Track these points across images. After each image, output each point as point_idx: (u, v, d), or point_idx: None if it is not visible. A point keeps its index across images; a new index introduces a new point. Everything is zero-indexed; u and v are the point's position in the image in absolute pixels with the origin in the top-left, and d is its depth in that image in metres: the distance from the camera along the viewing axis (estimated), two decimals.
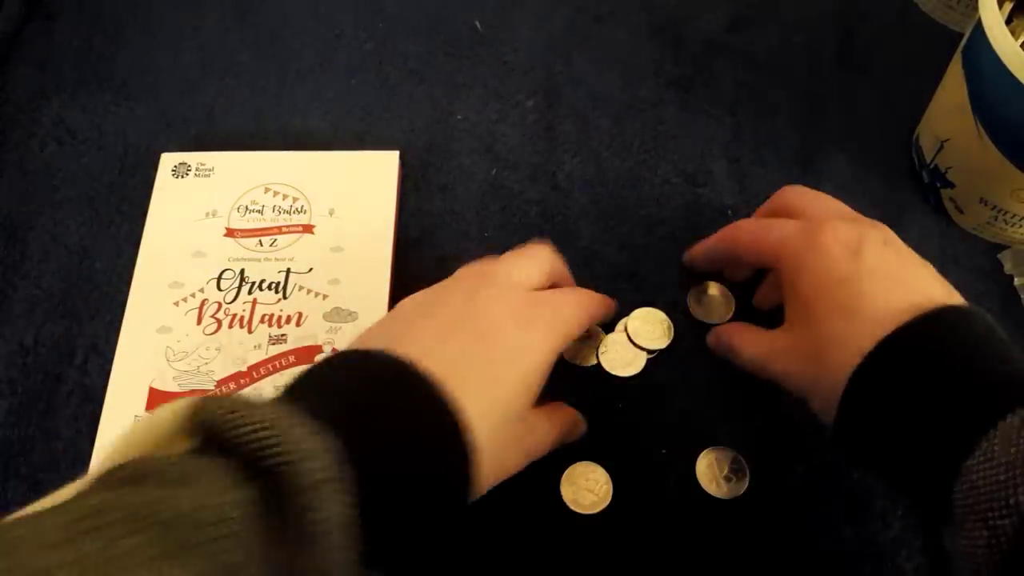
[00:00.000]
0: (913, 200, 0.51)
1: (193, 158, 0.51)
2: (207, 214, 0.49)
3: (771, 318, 0.43)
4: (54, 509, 0.24)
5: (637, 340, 0.45)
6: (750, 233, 0.42)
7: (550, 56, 0.57)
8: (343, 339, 0.45)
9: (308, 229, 0.48)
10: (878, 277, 0.36)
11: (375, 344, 0.34)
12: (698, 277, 0.47)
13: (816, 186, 0.51)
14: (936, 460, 0.31)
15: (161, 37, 0.58)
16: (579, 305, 0.40)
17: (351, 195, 0.49)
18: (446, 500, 0.33)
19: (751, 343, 0.41)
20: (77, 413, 0.45)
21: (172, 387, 0.44)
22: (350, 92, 0.56)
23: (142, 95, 0.56)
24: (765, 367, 0.40)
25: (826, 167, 0.52)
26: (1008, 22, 0.43)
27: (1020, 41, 0.41)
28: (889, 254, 0.37)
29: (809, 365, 0.37)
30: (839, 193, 0.51)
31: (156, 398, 0.43)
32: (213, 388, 0.43)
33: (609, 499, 0.42)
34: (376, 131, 0.54)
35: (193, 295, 0.46)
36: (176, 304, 0.46)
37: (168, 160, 0.51)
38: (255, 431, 0.27)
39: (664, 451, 0.43)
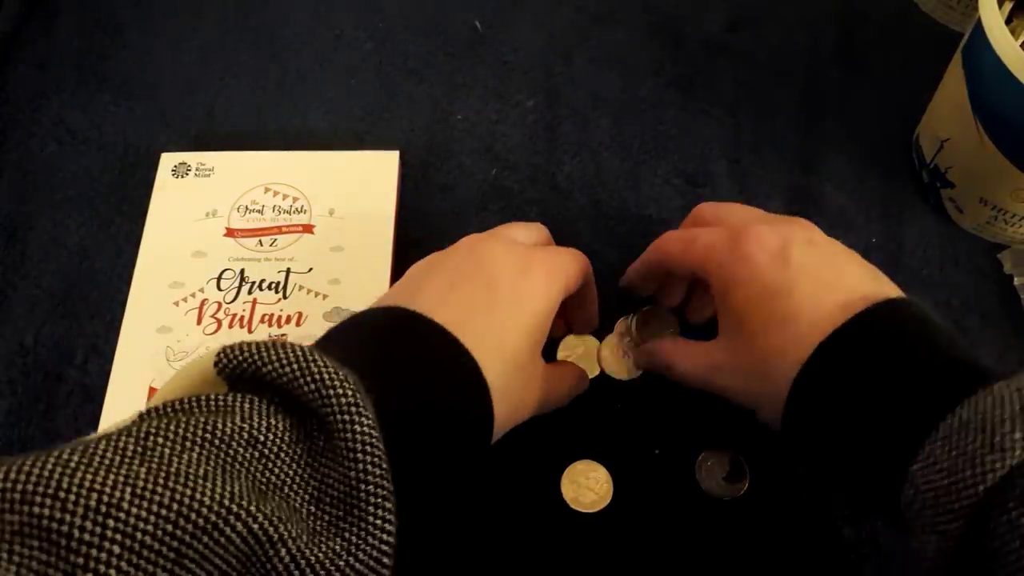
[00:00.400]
0: (913, 200, 0.51)
1: (193, 158, 0.51)
2: (207, 214, 0.49)
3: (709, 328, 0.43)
4: (105, 436, 0.26)
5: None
6: (676, 242, 0.41)
7: (550, 56, 0.57)
8: None
9: (308, 229, 0.48)
10: (807, 281, 0.35)
11: (388, 303, 0.35)
12: (638, 302, 0.46)
13: (816, 186, 0.51)
14: (882, 464, 0.31)
15: (161, 37, 0.58)
16: (574, 258, 0.40)
17: (351, 195, 0.49)
18: (468, 437, 0.33)
19: (688, 359, 0.40)
20: (77, 413, 0.45)
21: None
22: (350, 92, 0.56)
23: (142, 95, 0.56)
24: (708, 382, 0.39)
25: (826, 167, 0.52)
26: (1008, 22, 0.43)
27: (1020, 41, 0.41)
28: (815, 254, 0.36)
29: (750, 379, 0.37)
30: (839, 193, 0.51)
31: None
32: None
33: (610, 498, 0.42)
34: (376, 131, 0.54)
35: (193, 295, 0.46)
36: (176, 304, 0.46)
37: (168, 160, 0.51)
38: (282, 367, 0.28)
39: (664, 451, 0.43)
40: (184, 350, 0.45)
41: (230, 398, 0.28)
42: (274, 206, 0.49)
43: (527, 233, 0.41)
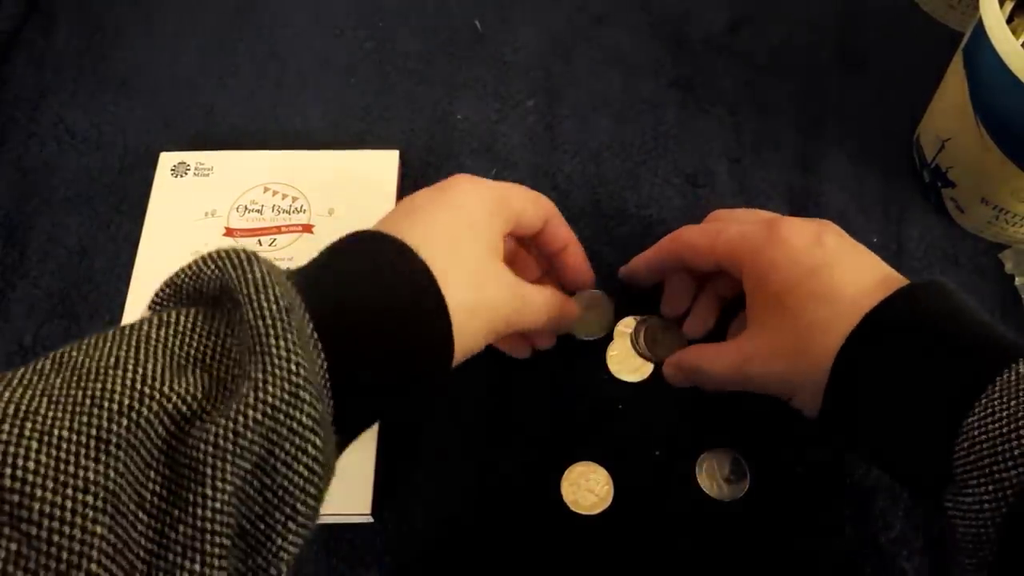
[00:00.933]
0: (914, 200, 0.51)
1: (192, 157, 0.51)
2: (206, 214, 0.49)
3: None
4: (26, 365, 0.27)
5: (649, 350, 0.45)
6: (701, 234, 0.41)
7: (550, 56, 0.57)
8: None
9: (307, 229, 0.48)
10: (845, 261, 0.36)
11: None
12: (635, 302, 0.46)
13: (817, 186, 0.51)
14: (934, 423, 0.31)
15: (161, 37, 0.58)
16: (532, 194, 0.41)
17: (351, 195, 0.49)
18: (421, 320, 0.33)
19: (718, 359, 0.40)
20: None
21: None
22: (350, 92, 0.56)
23: (141, 95, 0.56)
24: (742, 376, 0.39)
25: (827, 167, 0.52)
26: (1009, 21, 0.43)
27: (1021, 40, 0.41)
28: (845, 242, 0.38)
29: (790, 360, 0.36)
30: (840, 193, 0.51)
31: None
32: None
33: (610, 500, 0.42)
34: (376, 131, 0.54)
35: None
36: None
37: (167, 160, 0.51)
38: (197, 268, 0.30)
39: (664, 452, 0.43)
40: None
41: (146, 322, 0.29)
42: (273, 206, 0.49)
43: (521, 194, 0.42)
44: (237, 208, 0.49)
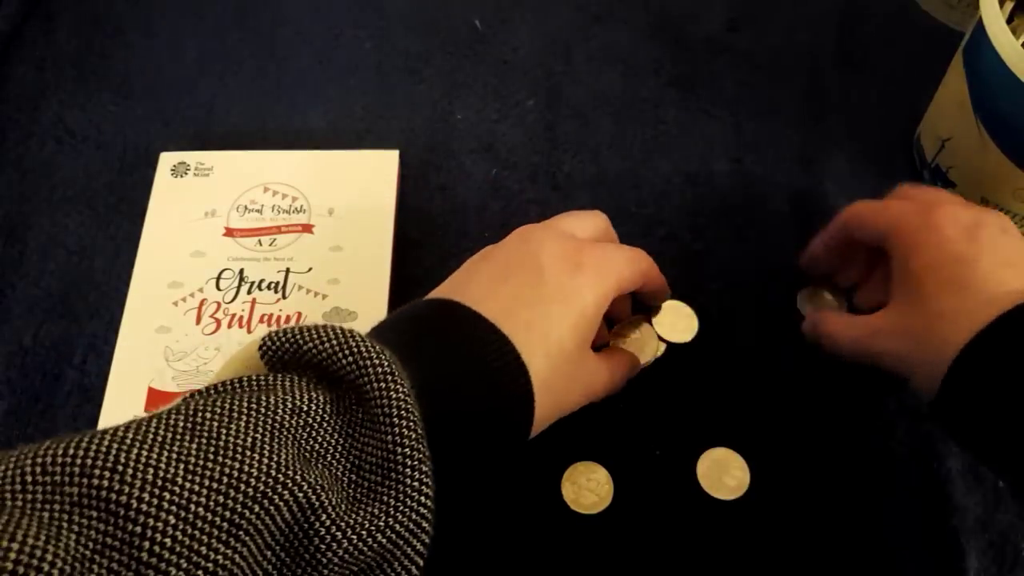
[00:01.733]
0: None
1: (192, 157, 0.51)
2: (206, 213, 0.49)
3: None
4: (156, 415, 0.27)
5: (661, 331, 0.46)
6: (868, 207, 0.41)
7: (550, 56, 0.57)
8: None
9: (307, 229, 0.48)
10: (994, 259, 0.35)
11: (436, 295, 0.36)
12: (809, 280, 0.47)
13: (816, 186, 0.51)
14: None
15: (160, 36, 0.58)
16: (631, 258, 0.40)
17: (351, 194, 0.49)
18: (508, 423, 0.34)
19: (848, 327, 0.41)
20: (76, 413, 0.45)
21: (171, 387, 0.43)
22: (350, 91, 0.56)
23: (141, 94, 0.56)
24: (866, 348, 0.39)
25: (827, 167, 0.52)
26: (1009, 21, 0.43)
27: (1021, 40, 0.40)
28: (1006, 240, 0.37)
29: (914, 342, 0.36)
30: (840, 193, 0.51)
31: (155, 398, 0.43)
32: None
33: (610, 499, 0.42)
34: (376, 130, 0.54)
35: (192, 295, 0.46)
36: (175, 304, 0.46)
37: (167, 160, 0.51)
38: (320, 344, 0.29)
39: (665, 451, 0.43)
40: (183, 350, 0.44)
41: (271, 377, 0.29)
42: (273, 206, 0.49)
43: (583, 224, 0.41)
44: (237, 208, 0.49)
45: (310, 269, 0.47)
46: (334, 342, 0.29)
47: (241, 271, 0.47)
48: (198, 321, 0.45)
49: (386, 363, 0.29)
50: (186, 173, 0.50)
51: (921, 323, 0.36)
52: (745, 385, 0.45)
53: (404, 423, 0.28)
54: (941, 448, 0.43)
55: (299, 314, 0.46)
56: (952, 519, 0.41)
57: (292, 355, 0.30)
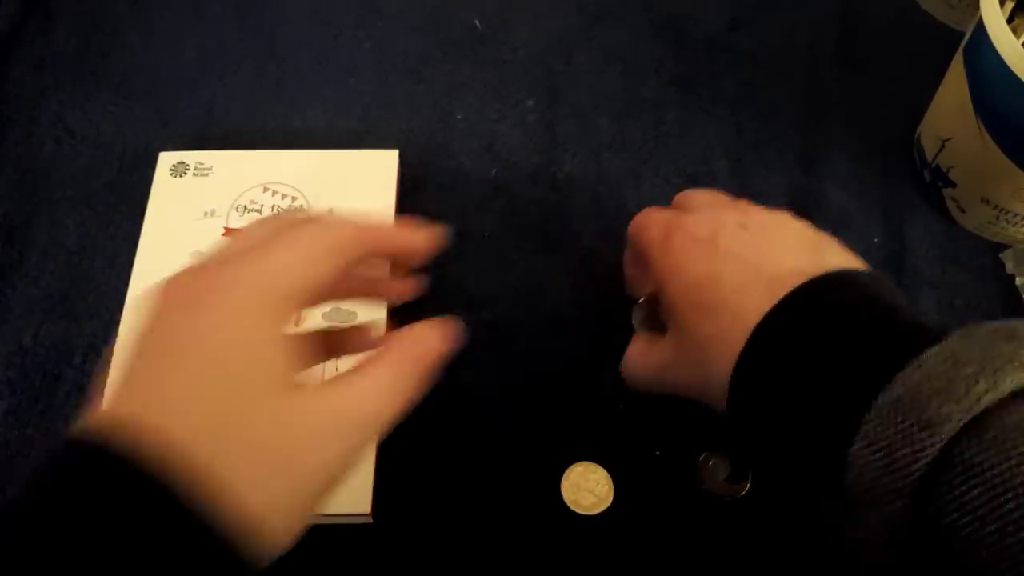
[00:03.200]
0: (914, 200, 0.51)
1: (191, 157, 0.51)
2: (205, 213, 0.49)
3: None
4: None
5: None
6: (634, 224, 0.40)
7: (550, 56, 0.57)
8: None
9: None
10: (734, 267, 0.34)
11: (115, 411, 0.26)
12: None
13: (817, 185, 0.51)
14: (824, 448, 0.30)
15: (160, 36, 0.58)
16: (314, 242, 0.30)
17: (350, 195, 0.49)
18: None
19: (641, 359, 0.40)
20: (76, 413, 0.45)
21: None
22: (349, 91, 0.55)
23: (141, 94, 0.56)
24: (659, 384, 0.39)
25: (827, 167, 0.52)
26: (1009, 21, 0.43)
27: (1021, 40, 0.40)
28: (744, 237, 0.35)
29: (696, 371, 0.36)
30: (840, 193, 0.51)
31: None
32: None
33: (610, 500, 0.42)
34: (375, 131, 0.54)
35: None
36: None
37: (166, 159, 0.51)
38: None
39: (664, 452, 0.43)
40: None
41: None
42: (273, 206, 0.49)
43: (263, 230, 0.31)
44: (236, 208, 0.49)
45: None
46: None
47: None
48: None
49: None
50: (185, 173, 0.50)
51: (692, 353, 0.35)
52: None
53: None
54: None
55: (299, 314, 0.45)
56: None
57: None
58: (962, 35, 0.45)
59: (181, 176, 0.50)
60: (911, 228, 0.50)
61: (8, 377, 0.46)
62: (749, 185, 0.51)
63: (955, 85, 0.45)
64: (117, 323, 0.46)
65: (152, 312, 0.29)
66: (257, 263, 0.29)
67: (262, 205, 0.49)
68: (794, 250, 0.34)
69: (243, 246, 0.30)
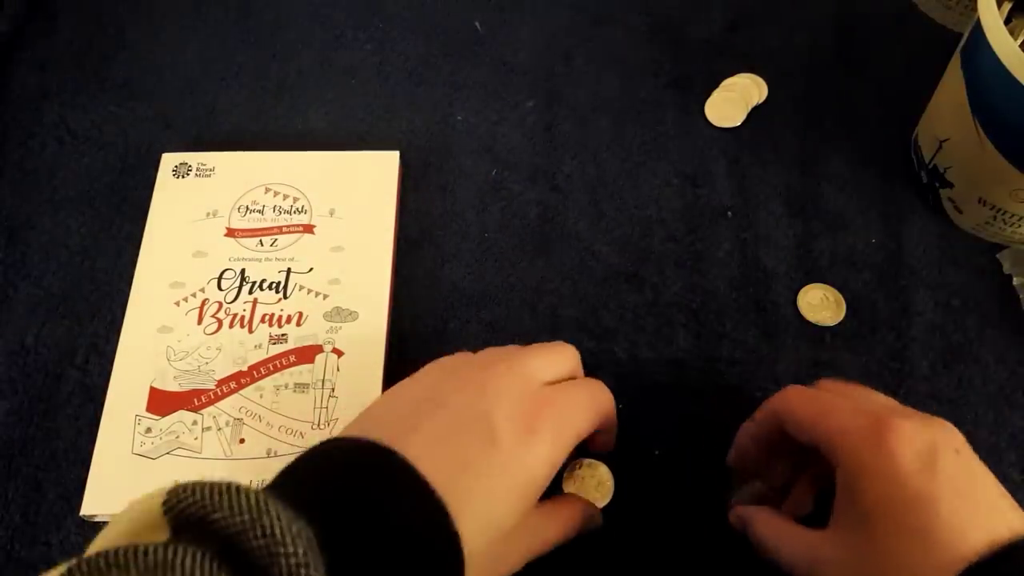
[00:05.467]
0: (912, 200, 0.51)
1: (194, 158, 0.51)
2: (208, 214, 0.49)
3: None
4: None
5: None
6: (804, 406, 0.36)
7: (550, 56, 0.57)
8: (343, 339, 0.45)
9: (308, 229, 0.48)
10: (955, 497, 0.31)
11: (371, 432, 0.32)
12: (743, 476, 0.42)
13: (815, 186, 0.51)
14: None
15: (161, 37, 0.58)
16: (591, 403, 0.37)
17: (352, 195, 0.49)
18: None
19: (789, 541, 0.36)
20: (78, 413, 0.45)
21: (173, 387, 0.44)
22: (350, 93, 0.56)
23: (142, 95, 0.56)
24: (807, 571, 0.34)
25: (825, 167, 0.52)
26: (1007, 22, 0.43)
27: (1019, 41, 0.41)
28: (962, 467, 0.33)
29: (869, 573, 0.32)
30: (838, 193, 0.51)
31: (157, 397, 0.43)
32: (214, 387, 0.44)
33: (611, 496, 0.42)
34: (376, 131, 0.54)
35: (194, 295, 0.46)
36: (177, 304, 0.46)
37: (169, 160, 0.51)
38: (232, 516, 0.26)
39: (664, 452, 0.43)
40: (185, 350, 0.45)
41: (169, 552, 0.25)
42: (275, 206, 0.49)
43: (549, 365, 0.37)
44: (239, 208, 0.49)
45: (311, 269, 0.47)
46: (246, 516, 0.26)
47: (243, 271, 0.47)
48: (200, 321, 0.46)
49: (301, 552, 0.25)
50: (188, 174, 0.50)
51: (874, 566, 0.32)
52: (745, 386, 0.45)
53: None
54: None
55: (300, 314, 0.46)
56: None
57: (199, 519, 0.26)
58: (960, 36, 0.46)
59: (183, 177, 0.50)
60: (908, 229, 0.50)
61: (10, 377, 0.46)
62: (747, 186, 0.52)
63: (952, 86, 0.45)
64: (119, 323, 0.46)
65: (474, 384, 0.35)
66: (570, 401, 0.36)
67: (264, 206, 0.49)
68: (1001, 498, 0.32)
69: (552, 374, 0.37)
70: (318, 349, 0.45)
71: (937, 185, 0.49)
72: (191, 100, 0.56)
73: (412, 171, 0.52)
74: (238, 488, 0.27)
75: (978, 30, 0.42)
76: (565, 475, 0.42)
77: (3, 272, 0.49)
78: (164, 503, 0.27)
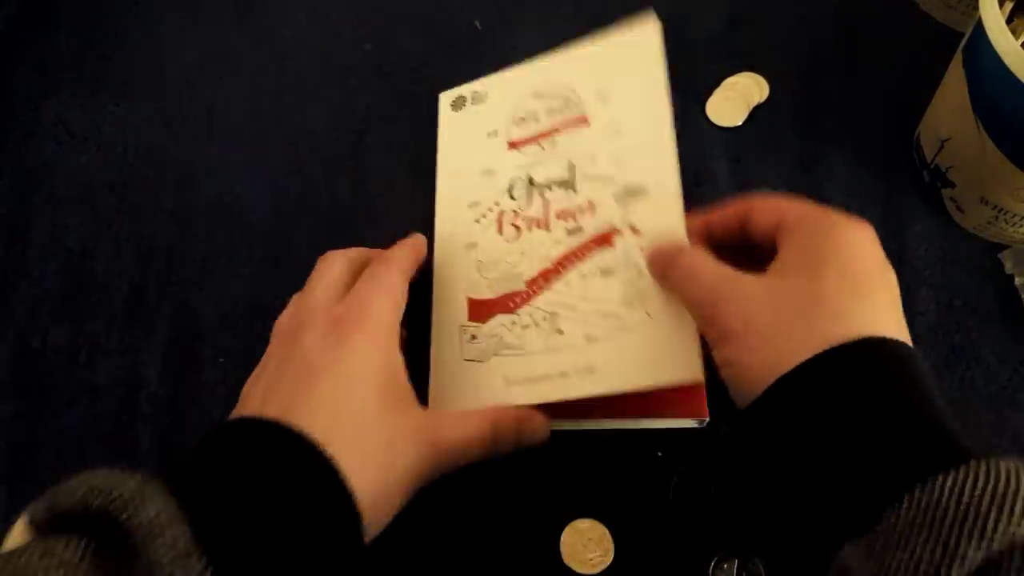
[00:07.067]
0: (914, 200, 0.51)
1: (467, 89, 0.52)
2: (488, 135, 0.50)
3: None
4: None
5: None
6: (767, 199, 0.39)
7: None
8: (638, 217, 0.44)
9: (583, 121, 0.48)
10: (885, 300, 0.34)
11: (241, 412, 0.36)
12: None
13: (817, 186, 0.51)
14: (813, 541, 0.30)
15: (161, 37, 0.58)
16: (386, 286, 0.40)
17: (618, 77, 0.48)
18: (326, 512, 0.32)
19: (714, 268, 0.36)
20: (84, 412, 0.45)
21: (488, 294, 0.45)
22: (350, 92, 0.56)
23: (142, 95, 0.56)
24: (716, 304, 0.35)
25: (827, 167, 0.52)
26: (1008, 21, 0.43)
27: (1021, 41, 0.41)
28: (880, 254, 0.36)
29: (772, 320, 0.33)
30: (840, 193, 0.51)
31: (475, 306, 0.45)
32: (524, 288, 0.44)
33: (611, 559, 0.41)
34: (376, 131, 0.54)
35: (490, 209, 0.47)
36: (477, 221, 0.47)
37: (446, 98, 0.53)
38: (95, 493, 0.28)
39: (665, 452, 0.43)
40: (491, 260, 0.46)
41: (29, 550, 0.27)
42: (547, 109, 0.49)
43: (327, 283, 0.41)
44: (515, 121, 0.50)
45: (593, 157, 0.46)
46: (107, 493, 0.28)
47: (530, 178, 0.47)
48: (500, 231, 0.47)
49: (153, 512, 0.27)
50: (464, 105, 0.52)
51: (796, 302, 0.33)
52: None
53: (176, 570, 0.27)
54: None
55: (590, 203, 0.45)
56: None
57: (57, 516, 0.28)
58: (961, 35, 0.45)
59: (461, 109, 0.52)
60: (910, 228, 0.50)
61: (15, 379, 0.46)
62: (748, 185, 0.51)
63: (954, 85, 0.45)
64: (120, 322, 0.46)
65: (285, 340, 0.39)
66: (369, 307, 0.38)
67: (537, 110, 0.49)
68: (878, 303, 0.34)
69: (335, 290, 0.41)
70: (616, 232, 0.44)
71: (939, 185, 0.49)
72: (189, 99, 0.55)
73: (413, 171, 0.52)
74: (104, 473, 0.29)
75: (980, 29, 0.42)
76: (563, 535, 0.42)
77: (3, 272, 0.49)
78: (31, 511, 0.29)
